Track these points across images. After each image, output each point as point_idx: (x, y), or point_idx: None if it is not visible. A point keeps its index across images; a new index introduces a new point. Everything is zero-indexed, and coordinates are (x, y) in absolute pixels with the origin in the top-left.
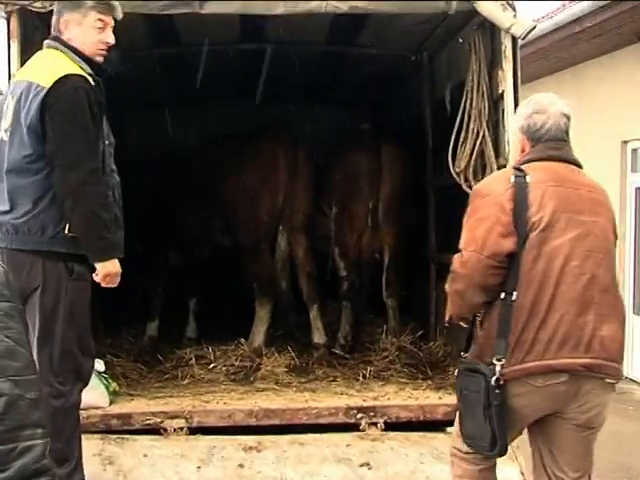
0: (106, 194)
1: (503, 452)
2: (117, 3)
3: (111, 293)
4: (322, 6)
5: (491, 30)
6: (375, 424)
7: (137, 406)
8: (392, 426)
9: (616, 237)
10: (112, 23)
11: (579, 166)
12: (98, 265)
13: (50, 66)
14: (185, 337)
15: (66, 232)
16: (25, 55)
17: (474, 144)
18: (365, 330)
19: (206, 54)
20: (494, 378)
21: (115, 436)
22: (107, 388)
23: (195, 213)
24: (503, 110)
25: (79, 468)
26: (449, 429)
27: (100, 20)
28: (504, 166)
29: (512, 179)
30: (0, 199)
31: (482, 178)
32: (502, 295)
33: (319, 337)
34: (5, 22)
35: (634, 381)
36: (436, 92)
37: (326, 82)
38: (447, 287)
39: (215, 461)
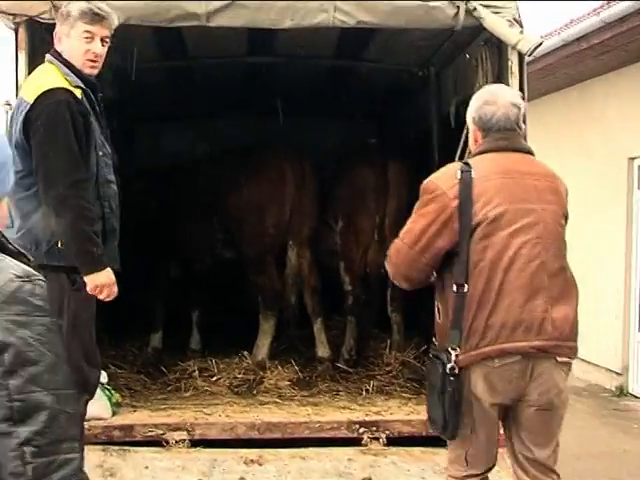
0: (89, 207)
1: (454, 436)
2: (109, 14)
3: (115, 304)
4: (329, 20)
5: (498, 46)
6: (377, 439)
7: (139, 418)
8: (394, 441)
9: (566, 220)
10: (102, 34)
11: (530, 153)
12: (86, 278)
13: (37, 81)
14: (189, 349)
15: (59, 246)
16: (33, 66)
17: None
18: (369, 344)
19: (214, 67)
20: (449, 366)
21: (117, 448)
22: (110, 399)
23: (199, 225)
24: None
25: None
26: None
27: (87, 32)
28: None
29: (458, 174)
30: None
31: None
32: (454, 287)
33: (323, 351)
34: (13, 33)
35: (639, 398)
36: (443, 107)
37: (333, 96)
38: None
39: (216, 474)
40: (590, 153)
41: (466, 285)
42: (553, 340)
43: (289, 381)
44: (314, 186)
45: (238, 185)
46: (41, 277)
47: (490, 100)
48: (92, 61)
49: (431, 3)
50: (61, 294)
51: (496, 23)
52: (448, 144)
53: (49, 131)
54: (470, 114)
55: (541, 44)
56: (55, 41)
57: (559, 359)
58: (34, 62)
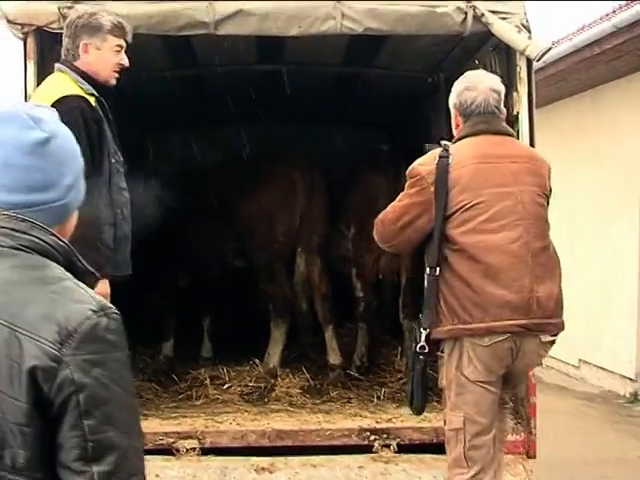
0: (97, 214)
1: (420, 408)
2: (129, 27)
3: (126, 312)
4: (337, 28)
5: (506, 52)
6: (388, 446)
7: (150, 426)
8: (405, 448)
9: (548, 198)
10: (125, 46)
11: (510, 135)
12: None
13: (50, 89)
14: (200, 357)
15: None
16: (41, 76)
17: None
18: (381, 351)
19: (223, 75)
20: (419, 345)
21: None
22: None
23: (209, 234)
24: (518, 131)
25: None
26: None
27: (118, 45)
28: None
29: (436, 160)
30: None
31: None
32: (427, 270)
33: (334, 358)
34: (22, 43)
35: None
36: None
37: (343, 103)
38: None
39: None
40: (603, 159)
41: (438, 268)
42: (538, 318)
43: (300, 389)
44: (324, 193)
45: (248, 193)
46: (115, 309)
47: (470, 86)
48: (118, 72)
49: (439, 9)
50: None
51: (504, 29)
52: None
53: None
54: (452, 100)
55: (550, 50)
56: (79, 52)
57: (543, 339)
58: (43, 71)
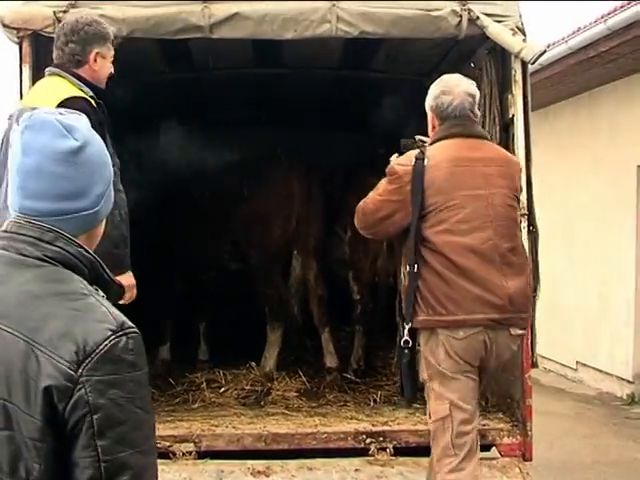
0: (112, 211)
1: (411, 398)
2: None
3: (125, 314)
4: (332, 31)
5: (502, 55)
6: (384, 449)
7: None
8: (401, 451)
9: (518, 200)
10: None
11: (484, 138)
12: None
13: (53, 91)
14: (197, 360)
15: None
16: (37, 80)
17: None
18: (378, 354)
19: (219, 79)
20: (402, 340)
21: None
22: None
23: (205, 236)
24: (513, 134)
25: None
26: None
27: (113, 54)
28: None
29: (412, 162)
30: None
31: None
32: (407, 268)
33: (331, 361)
34: (17, 47)
35: None
36: None
37: (340, 107)
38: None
39: None
40: (599, 161)
41: (415, 265)
42: (510, 313)
43: (297, 392)
44: (321, 196)
45: (245, 197)
46: (134, 327)
47: (447, 90)
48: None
49: (434, 12)
50: None
51: (499, 32)
52: None
53: None
54: (428, 102)
55: (545, 52)
56: (88, 59)
57: (512, 332)
58: (38, 75)
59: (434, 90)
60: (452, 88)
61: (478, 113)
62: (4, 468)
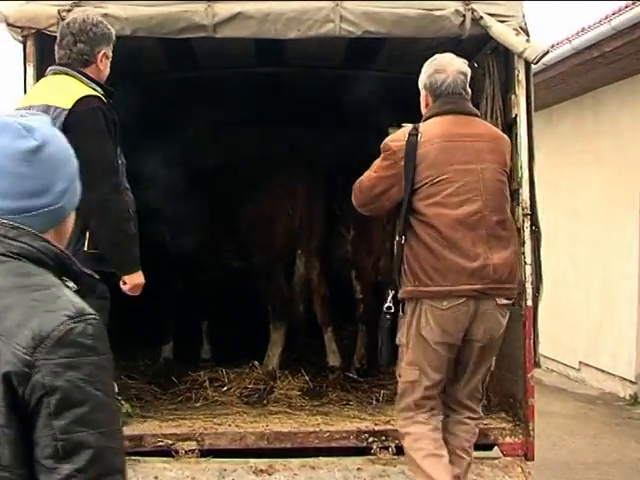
0: (128, 209)
1: (386, 365)
2: None
3: (127, 314)
4: (335, 31)
5: (505, 55)
6: (387, 448)
7: (149, 428)
8: (403, 450)
9: (508, 175)
10: None
11: (475, 115)
12: (126, 277)
13: (66, 89)
14: (200, 359)
15: (86, 249)
16: (41, 78)
17: None
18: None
19: (223, 78)
20: (386, 305)
21: (126, 458)
22: (119, 410)
23: (207, 236)
24: (516, 134)
25: None
26: None
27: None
28: (517, 191)
29: (405, 137)
30: None
31: None
32: (397, 238)
33: (334, 360)
34: (22, 46)
35: None
36: None
37: (343, 106)
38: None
39: None
40: (603, 162)
41: (404, 237)
42: (493, 283)
43: (299, 391)
44: (324, 196)
45: (248, 196)
46: (96, 315)
47: (440, 68)
48: None
49: (437, 12)
50: None
51: (502, 32)
52: None
53: (91, 136)
54: (422, 80)
55: (548, 53)
56: (97, 60)
57: (499, 301)
58: (42, 74)
59: (428, 69)
60: (445, 67)
61: (469, 91)
62: None
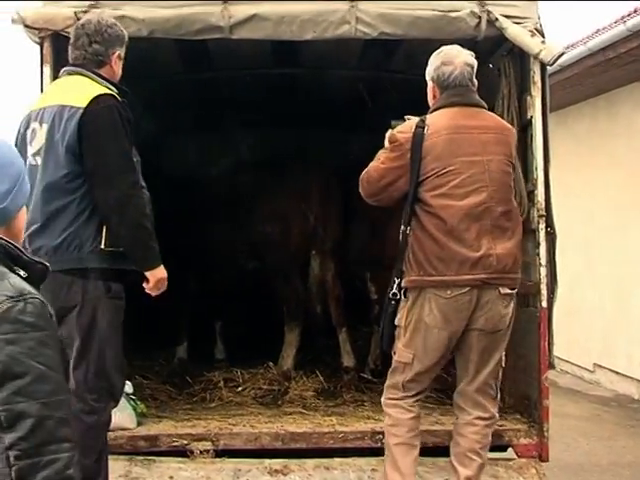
0: (147, 206)
1: (389, 347)
2: None
3: (142, 314)
4: (351, 32)
5: (520, 56)
6: None
7: (164, 428)
8: (419, 451)
9: (514, 166)
10: None
11: (482, 106)
12: (148, 273)
13: (81, 88)
14: (214, 359)
15: (103, 247)
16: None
17: None
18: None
19: (238, 79)
20: (391, 292)
21: (142, 458)
22: (135, 410)
23: (222, 237)
24: (531, 136)
25: None
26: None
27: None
28: (532, 192)
29: (413, 129)
30: (29, 222)
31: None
32: (402, 228)
33: (348, 360)
34: (39, 47)
35: None
36: None
37: (358, 107)
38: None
39: None
40: (618, 163)
41: (409, 227)
42: (496, 273)
43: (314, 391)
44: (339, 197)
45: (263, 197)
46: (36, 295)
47: (447, 60)
48: None
49: (453, 14)
50: (96, 302)
51: (518, 33)
52: None
53: (108, 134)
54: (429, 73)
55: (563, 54)
56: (111, 60)
57: (502, 291)
58: (58, 75)
59: (435, 61)
60: (452, 59)
61: (476, 82)
62: None
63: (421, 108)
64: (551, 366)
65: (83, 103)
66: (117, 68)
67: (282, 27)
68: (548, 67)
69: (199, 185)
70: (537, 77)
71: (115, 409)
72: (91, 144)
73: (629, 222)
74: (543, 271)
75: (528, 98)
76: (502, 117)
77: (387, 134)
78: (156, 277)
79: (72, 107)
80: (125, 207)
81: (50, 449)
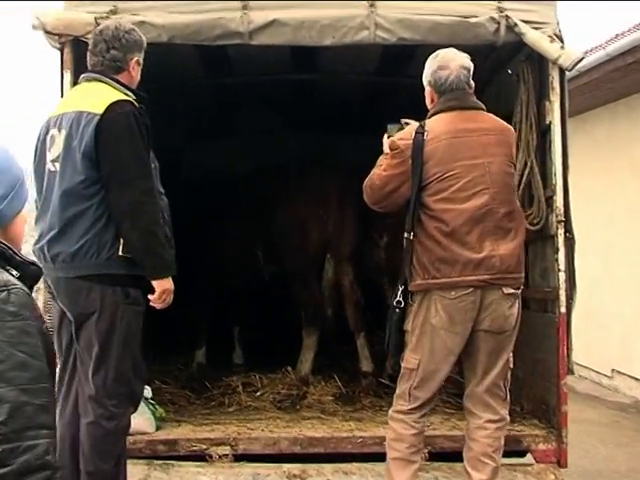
0: (161, 213)
1: (396, 353)
2: None
3: (161, 319)
4: (370, 38)
5: (539, 61)
6: None
7: (183, 432)
8: (436, 456)
9: (515, 166)
10: None
11: (480, 109)
12: (155, 283)
13: (99, 94)
14: (233, 364)
15: (120, 253)
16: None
17: (522, 175)
18: None
19: (257, 84)
20: (396, 300)
21: (161, 462)
22: (154, 414)
23: (239, 241)
24: (550, 141)
25: None
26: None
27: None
28: (551, 197)
29: (413, 135)
30: (48, 228)
31: (530, 209)
32: (405, 234)
33: (366, 365)
34: (59, 53)
35: None
36: None
37: (376, 112)
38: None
39: None
40: (637, 167)
41: (412, 233)
42: (500, 273)
43: (332, 396)
44: (357, 202)
45: (281, 202)
46: (20, 286)
47: (443, 65)
48: None
49: (472, 19)
50: (115, 308)
51: (537, 39)
52: None
53: (124, 139)
54: (426, 77)
55: (582, 59)
56: (129, 66)
57: (505, 291)
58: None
59: (431, 65)
60: (448, 63)
61: (472, 85)
62: None
63: None
64: (570, 372)
65: (100, 109)
66: (135, 74)
67: (302, 32)
68: (567, 72)
69: (218, 189)
70: (556, 82)
71: (135, 413)
72: (107, 150)
73: None
74: (562, 276)
75: (547, 103)
76: (521, 123)
77: (384, 139)
78: (162, 287)
79: (89, 113)
80: (137, 213)
81: (29, 435)
